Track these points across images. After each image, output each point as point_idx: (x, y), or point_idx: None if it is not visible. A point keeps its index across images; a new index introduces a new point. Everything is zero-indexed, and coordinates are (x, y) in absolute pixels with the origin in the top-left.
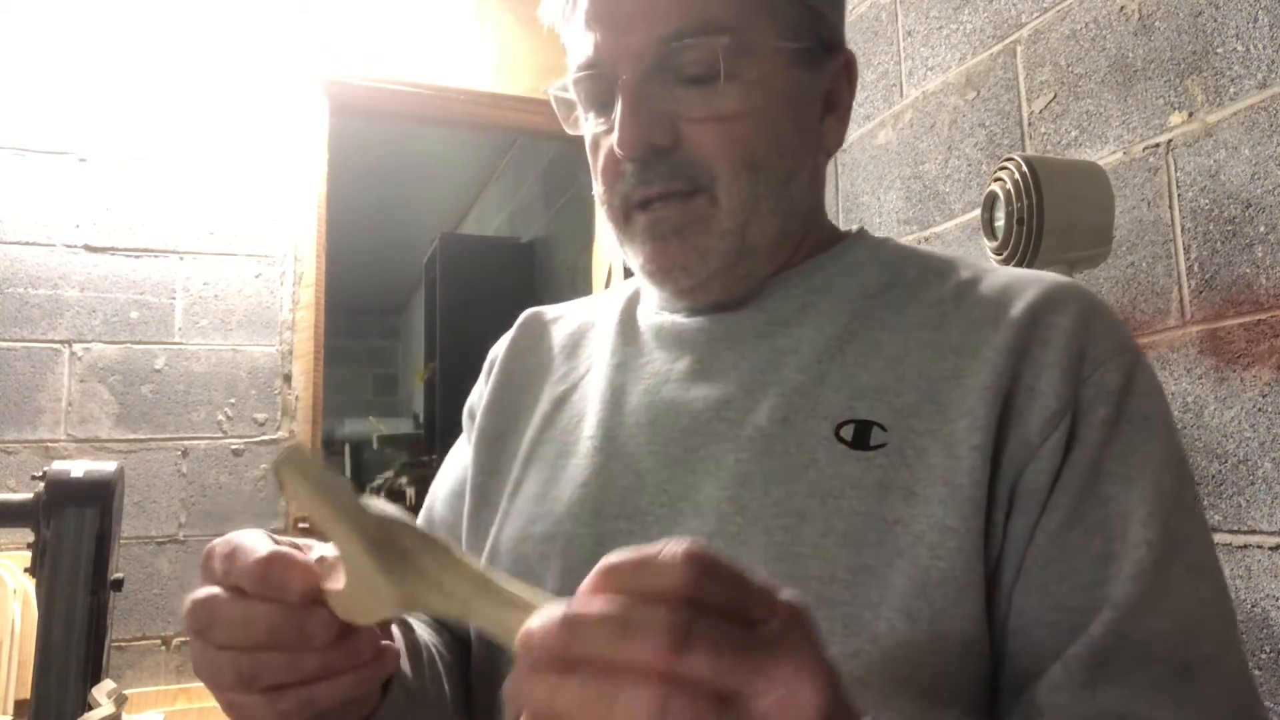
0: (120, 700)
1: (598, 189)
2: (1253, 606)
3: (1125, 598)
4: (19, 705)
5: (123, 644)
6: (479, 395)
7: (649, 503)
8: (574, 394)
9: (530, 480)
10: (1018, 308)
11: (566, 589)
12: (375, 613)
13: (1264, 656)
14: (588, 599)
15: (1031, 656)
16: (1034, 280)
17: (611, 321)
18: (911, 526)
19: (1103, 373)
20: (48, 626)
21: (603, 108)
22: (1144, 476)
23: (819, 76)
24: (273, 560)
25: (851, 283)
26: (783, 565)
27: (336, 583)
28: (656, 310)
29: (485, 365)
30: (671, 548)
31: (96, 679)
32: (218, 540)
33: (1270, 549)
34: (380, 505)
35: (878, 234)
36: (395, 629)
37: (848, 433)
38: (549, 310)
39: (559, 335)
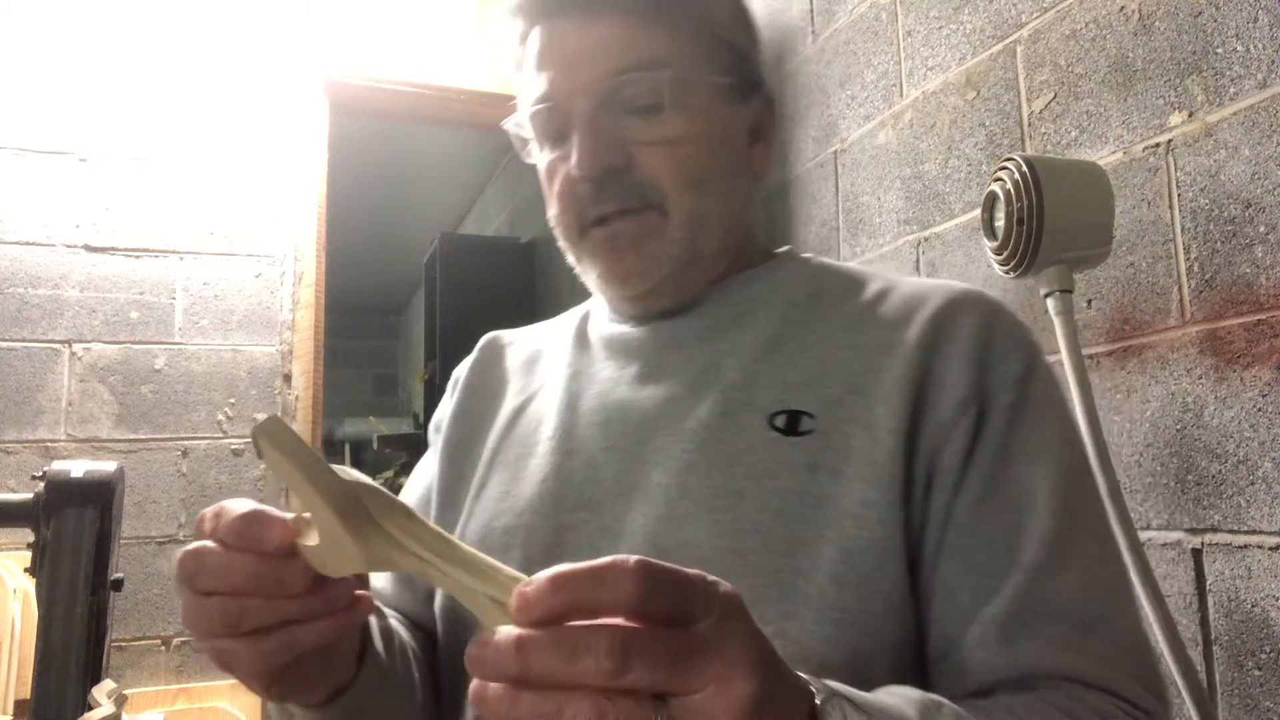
0: (120, 700)
1: (553, 211)
2: (1253, 606)
3: (1033, 562)
4: (19, 705)
5: (123, 644)
6: (444, 410)
7: (604, 493)
8: (532, 404)
9: (493, 482)
10: (928, 310)
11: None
12: (345, 568)
13: (1264, 656)
14: (545, 611)
15: (954, 619)
16: (942, 286)
17: (566, 339)
18: (838, 502)
19: (1005, 365)
20: (48, 626)
21: (558, 139)
22: (1046, 456)
23: (745, 110)
24: (251, 516)
25: (781, 293)
26: (725, 540)
27: (311, 539)
28: (607, 323)
29: (450, 383)
30: (620, 562)
31: (96, 679)
32: (210, 506)
33: (1270, 549)
34: (348, 472)
35: (879, 234)
36: (371, 616)
37: (780, 421)
38: (506, 334)
39: (517, 355)
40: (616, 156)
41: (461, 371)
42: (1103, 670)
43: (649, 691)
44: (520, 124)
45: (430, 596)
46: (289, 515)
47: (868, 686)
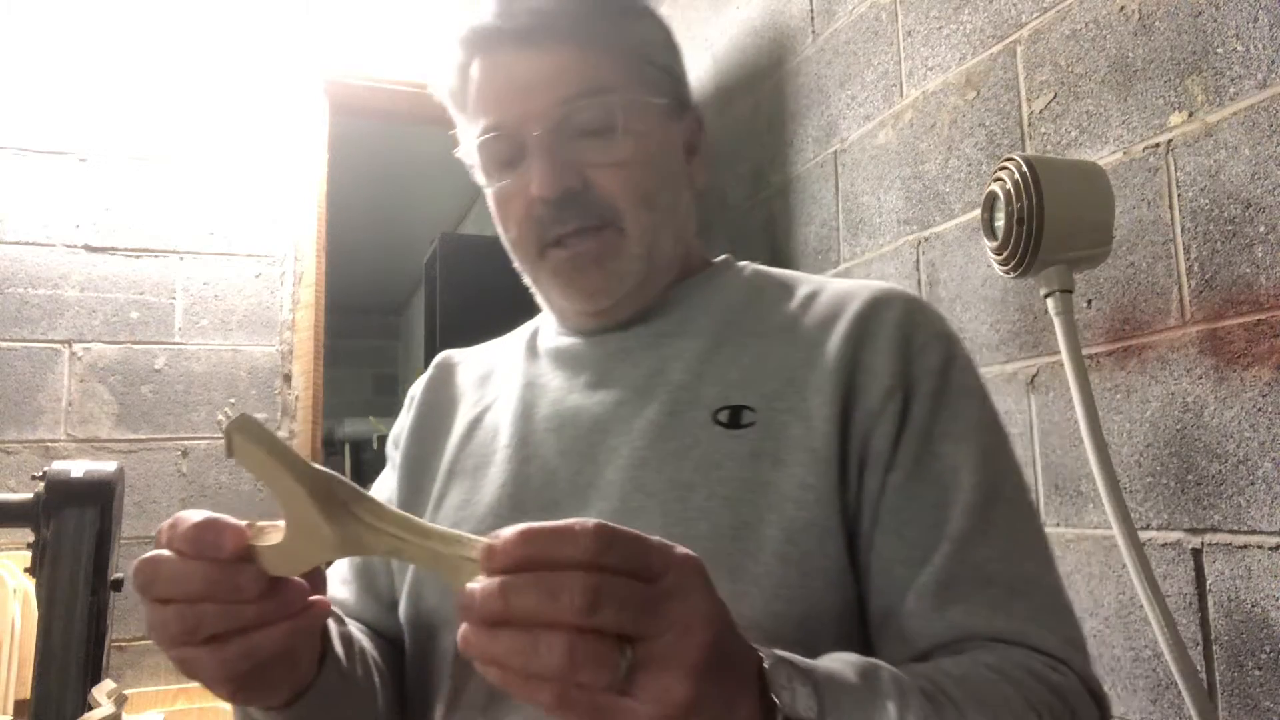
0: (120, 700)
1: (511, 234)
2: (1253, 606)
3: (958, 532)
4: (19, 705)
5: (123, 644)
6: (400, 427)
7: (561, 494)
8: (487, 415)
9: (453, 492)
10: (854, 307)
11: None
12: (314, 558)
13: (1264, 656)
14: (513, 560)
15: (891, 590)
16: (867, 285)
17: (518, 353)
18: (779, 487)
19: (926, 355)
20: (48, 626)
21: (507, 166)
22: (967, 436)
23: (681, 127)
24: (204, 524)
25: (721, 300)
26: (677, 529)
27: (269, 540)
28: (556, 337)
29: (406, 401)
30: (580, 522)
31: (96, 679)
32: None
33: (1270, 549)
34: (318, 466)
35: (879, 235)
36: (330, 622)
37: (724, 416)
38: (458, 353)
39: (470, 372)
40: (574, 178)
41: (417, 389)
42: (1026, 628)
43: (616, 632)
44: (468, 152)
45: (394, 605)
46: (243, 523)
47: (814, 655)
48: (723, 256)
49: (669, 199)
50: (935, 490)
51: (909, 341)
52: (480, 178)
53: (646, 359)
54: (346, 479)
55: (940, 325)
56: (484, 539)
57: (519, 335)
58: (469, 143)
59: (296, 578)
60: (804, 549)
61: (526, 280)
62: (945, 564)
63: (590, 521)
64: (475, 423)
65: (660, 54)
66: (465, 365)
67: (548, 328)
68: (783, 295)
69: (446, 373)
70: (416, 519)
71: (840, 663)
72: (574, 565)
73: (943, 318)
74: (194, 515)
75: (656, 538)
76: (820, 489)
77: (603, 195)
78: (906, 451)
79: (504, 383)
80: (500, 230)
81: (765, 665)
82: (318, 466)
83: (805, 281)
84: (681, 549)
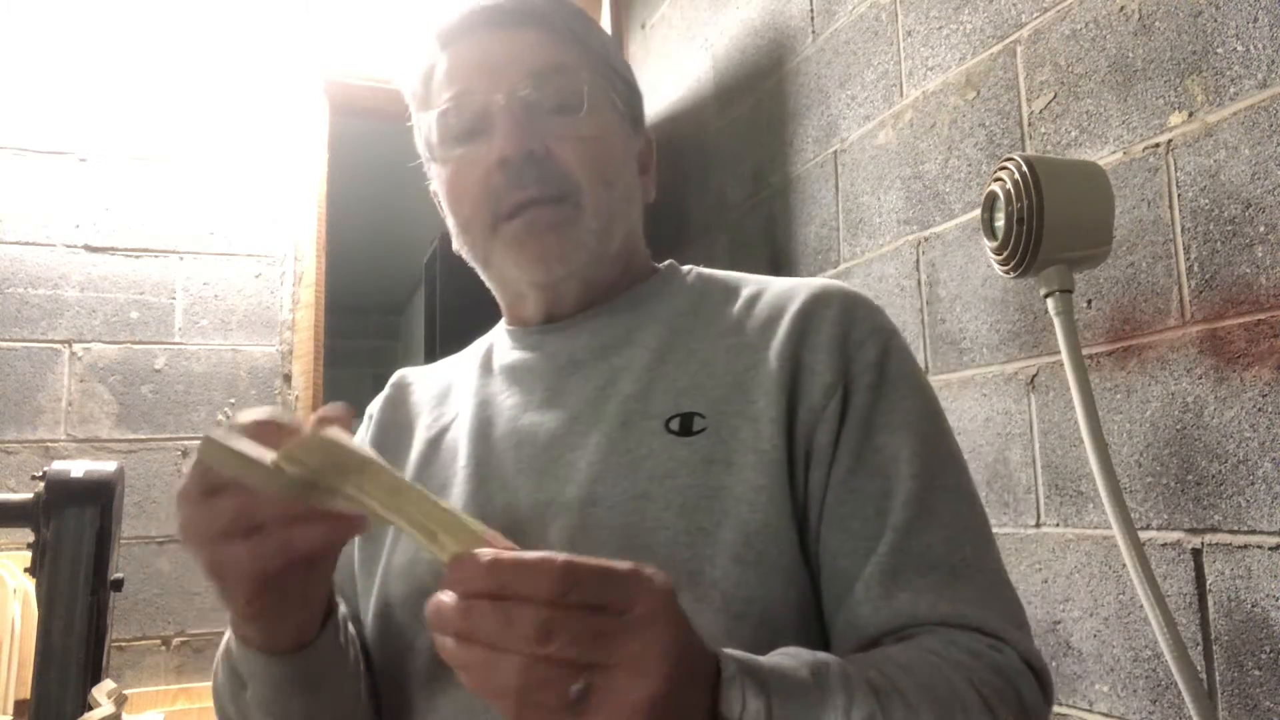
0: (120, 700)
1: (464, 210)
2: (1253, 606)
3: (901, 520)
4: (19, 705)
5: (123, 644)
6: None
7: (523, 513)
8: (446, 435)
9: None
10: (794, 306)
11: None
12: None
13: (1264, 656)
14: (479, 588)
15: (840, 582)
16: (807, 284)
17: (472, 370)
18: (733, 490)
19: (863, 350)
20: (48, 626)
21: (468, 136)
22: (906, 426)
23: (637, 139)
24: (267, 421)
25: (666, 307)
26: (636, 539)
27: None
28: (509, 351)
29: (365, 418)
30: (548, 559)
31: (96, 679)
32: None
33: (1270, 549)
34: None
35: (879, 235)
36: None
37: (675, 424)
38: (413, 372)
39: (427, 389)
40: (537, 143)
41: (374, 407)
42: (968, 610)
43: (571, 662)
44: (425, 133)
45: (357, 616)
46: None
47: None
48: (666, 262)
49: (624, 190)
50: (876, 481)
51: (846, 338)
52: (433, 160)
53: (596, 372)
54: (343, 453)
55: (877, 319)
56: (463, 520)
57: (473, 351)
58: (427, 124)
59: None
60: (759, 550)
61: (477, 267)
62: (889, 553)
63: (559, 558)
64: (434, 443)
65: (620, 65)
66: (421, 384)
67: (501, 342)
68: (727, 298)
69: (403, 392)
70: (409, 483)
71: (791, 658)
72: (536, 600)
73: (880, 311)
74: (256, 413)
75: (627, 566)
76: (771, 489)
77: (563, 166)
78: (847, 446)
79: (460, 401)
80: (450, 215)
81: (724, 675)
82: (308, 439)
83: (748, 283)
84: (654, 580)
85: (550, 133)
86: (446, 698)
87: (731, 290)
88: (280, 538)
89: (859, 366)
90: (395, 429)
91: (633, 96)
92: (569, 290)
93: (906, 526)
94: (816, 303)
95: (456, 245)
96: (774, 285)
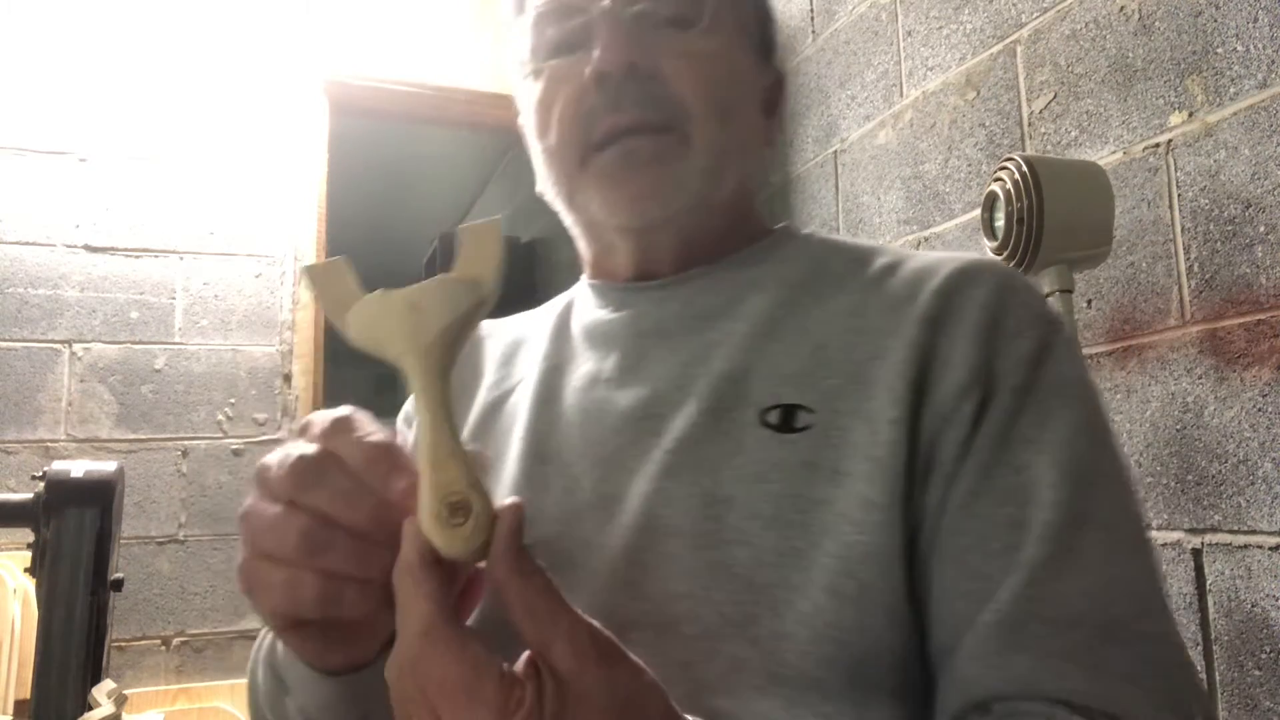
0: (120, 700)
1: (547, 141)
2: (1253, 606)
3: (1033, 561)
4: (19, 705)
5: (123, 644)
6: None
7: (582, 504)
8: (508, 401)
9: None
10: (934, 283)
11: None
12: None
13: (1264, 656)
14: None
15: (951, 627)
16: (952, 258)
17: (546, 328)
18: (836, 505)
19: (1015, 343)
20: (48, 626)
21: (565, 47)
22: (1057, 443)
23: (764, 74)
24: (387, 448)
25: (777, 275)
26: (710, 553)
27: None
28: (590, 310)
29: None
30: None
31: (96, 679)
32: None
33: (1270, 549)
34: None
35: (878, 235)
36: None
37: (773, 417)
38: (487, 324)
39: (494, 347)
40: (644, 56)
41: None
42: (1116, 688)
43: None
44: (518, 43)
45: None
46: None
47: (869, 710)
48: (783, 223)
49: (744, 127)
50: (1007, 508)
51: (996, 326)
52: (523, 79)
53: (687, 344)
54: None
55: (1037, 306)
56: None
57: (553, 307)
58: (520, 34)
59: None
60: (862, 581)
61: (560, 208)
62: (1012, 600)
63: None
64: (493, 409)
65: None
66: (493, 338)
67: (583, 298)
68: (852, 271)
69: (472, 344)
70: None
71: None
72: None
73: (1042, 297)
74: (370, 432)
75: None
76: (885, 508)
77: (673, 89)
78: (976, 460)
79: (528, 363)
80: (536, 141)
81: None
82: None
83: (881, 253)
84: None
85: (660, 48)
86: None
87: (859, 261)
88: (358, 588)
89: (1007, 363)
90: (458, 385)
91: (765, 20)
92: (664, 241)
93: (1039, 569)
94: (962, 281)
95: (539, 185)
96: (914, 259)
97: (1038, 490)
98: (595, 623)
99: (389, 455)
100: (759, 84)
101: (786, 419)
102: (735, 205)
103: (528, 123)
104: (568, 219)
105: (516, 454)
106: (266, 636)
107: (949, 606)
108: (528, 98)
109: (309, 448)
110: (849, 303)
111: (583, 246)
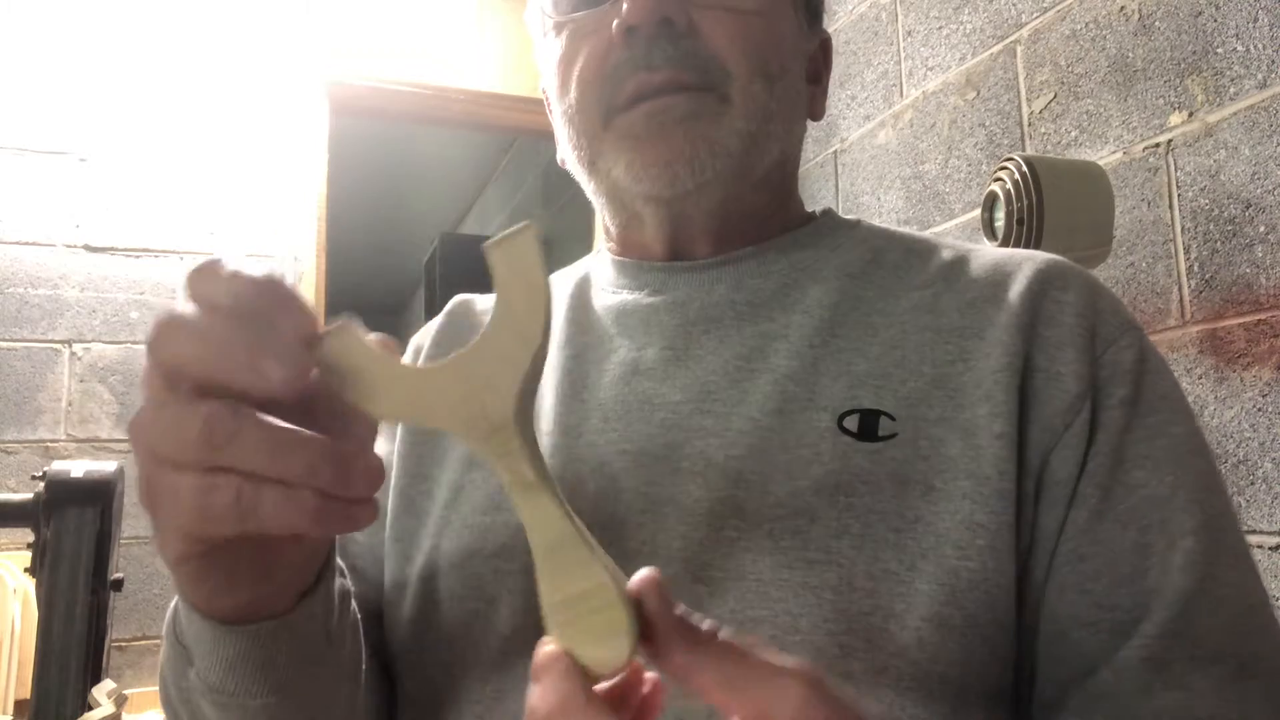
0: (120, 700)
1: (567, 99)
2: None
3: (1178, 593)
4: (19, 705)
5: (123, 644)
6: None
7: (626, 509)
8: None
9: (475, 486)
10: (1018, 285)
11: (529, 610)
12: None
13: None
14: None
15: (1071, 661)
16: (1026, 257)
17: (560, 308)
18: (934, 525)
19: (1115, 351)
20: (48, 626)
21: (593, 0)
22: (1172, 460)
23: (810, 37)
24: (267, 283)
25: (834, 262)
26: (794, 573)
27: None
28: (613, 291)
29: (410, 351)
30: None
31: (96, 679)
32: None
33: (1270, 549)
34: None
35: None
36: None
37: (852, 423)
38: (480, 299)
39: None
40: (677, 10)
41: (425, 338)
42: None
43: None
44: (540, 3)
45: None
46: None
47: None
48: (823, 208)
49: (789, 91)
50: (1133, 532)
51: (1094, 334)
52: (545, 29)
53: (739, 336)
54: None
55: (1126, 313)
56: (608, 582)
57: (564, 280)
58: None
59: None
60: (968, 611)
61: (580, 177)
62: (1159, 634)
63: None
64: None
65: None
66: (487, 316)
67: (603, 274)
68: (911, 262)
69: (465, 319)
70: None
71: None
72: None
73: (1122, 302)
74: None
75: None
76: (993, 531)
77: (710, 45)
78: (1094, 480)
79: None
80: (555, 99)
81: None
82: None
83: (940, 246)
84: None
85: (697, 0)
86: (520, 685)
87: (917, 252)
88: (249, 495)
89: (1111, 373)
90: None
91: None
92: (698, 214)
93: (1184, 601)
94: (1049, 283)
95: (560, 153)
96: (979, 253)
97: (1165, 514)
98: (802, 664)
99: (273, 290)
100: (804, 48)
101: (868, 426)
102: (777, 181)
103: (549, 85)
104: (588, 188)
105: (543, 451)
106: (172, 604)
107: (1070, 637)
108: (549, 56)
109: (183, 308)
110: (917, 298)
111: (606, 218)
